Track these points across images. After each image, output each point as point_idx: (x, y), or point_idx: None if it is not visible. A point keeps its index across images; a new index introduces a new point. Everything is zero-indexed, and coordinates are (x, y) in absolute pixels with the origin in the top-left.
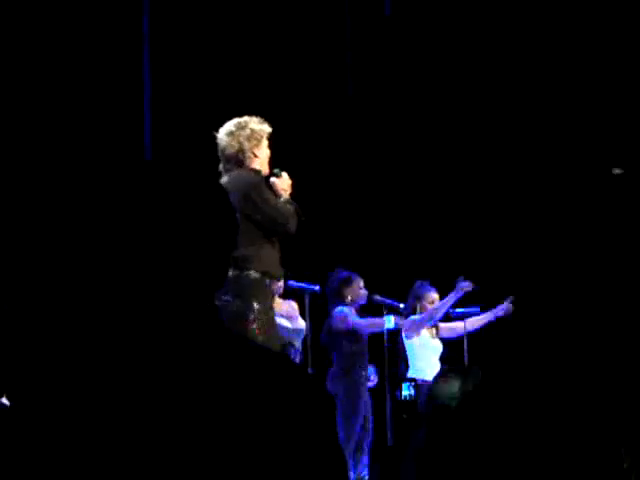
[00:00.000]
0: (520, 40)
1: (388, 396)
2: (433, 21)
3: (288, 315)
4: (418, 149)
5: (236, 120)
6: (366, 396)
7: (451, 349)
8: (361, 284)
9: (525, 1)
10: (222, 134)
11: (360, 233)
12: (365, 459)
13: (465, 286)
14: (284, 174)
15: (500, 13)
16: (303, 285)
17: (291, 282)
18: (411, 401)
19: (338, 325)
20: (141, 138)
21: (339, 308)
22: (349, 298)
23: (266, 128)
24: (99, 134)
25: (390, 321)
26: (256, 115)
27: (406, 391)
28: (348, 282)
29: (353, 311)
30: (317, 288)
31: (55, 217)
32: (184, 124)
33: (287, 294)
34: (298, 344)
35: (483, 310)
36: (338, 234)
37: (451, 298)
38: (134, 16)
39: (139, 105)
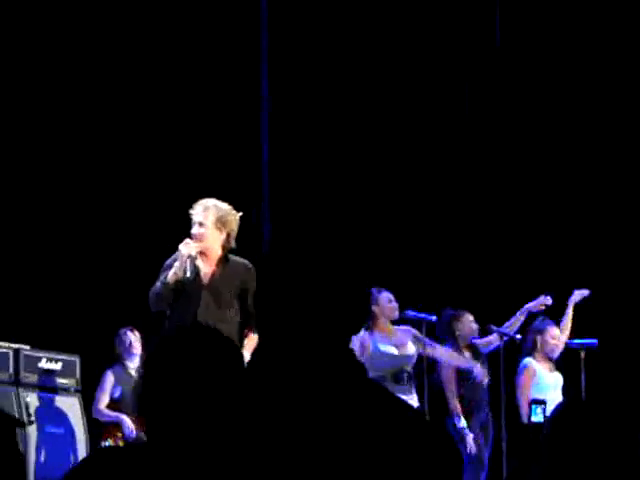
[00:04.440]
0: (627, 71)
1: (504, 425)
2: (542, 52)
3: (396, 343)
4: (532, 175)
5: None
6: (481, 437)
7: (569, 382)
8: (471, 318)
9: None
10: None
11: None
12: None
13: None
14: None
15: (607, 42)
16: (420, 315)
17: (409, 312)
18: (539, 426)
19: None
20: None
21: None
22: (459, 333)
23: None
24: None
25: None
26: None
27: (537, 416)
28: (457, 317)
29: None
30: (434, 318)
31: None
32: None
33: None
34: (410, 368)
35: None
36: (455, 267)
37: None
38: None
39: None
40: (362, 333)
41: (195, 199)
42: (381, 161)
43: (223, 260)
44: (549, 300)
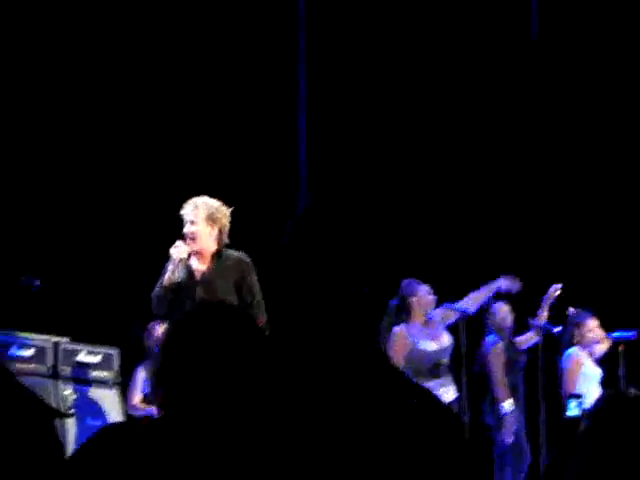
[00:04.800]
0: None
1: (543, 417)
2: (579, 46)
3: (433, 337)
4: (570, 168)
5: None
6: (521, 424)
7: (607, 372)
8: (506, 308)
9: None
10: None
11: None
12: None
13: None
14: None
15: None
16: (458, 308)
17: (447, 305)
18: (576, 421)
19: (489, 355)
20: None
21: (490, 337)
22: (499, 325)
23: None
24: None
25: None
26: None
27: (573, 410)
28: (489, 309)
29: (501, 349)
30: (472, 311)
31: None
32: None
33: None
34: (447, 360)
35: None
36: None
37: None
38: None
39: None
40: (401, 326)
41: (233, 193)
42: (419, 155)
43: (216, 256)
44: (558, 286)
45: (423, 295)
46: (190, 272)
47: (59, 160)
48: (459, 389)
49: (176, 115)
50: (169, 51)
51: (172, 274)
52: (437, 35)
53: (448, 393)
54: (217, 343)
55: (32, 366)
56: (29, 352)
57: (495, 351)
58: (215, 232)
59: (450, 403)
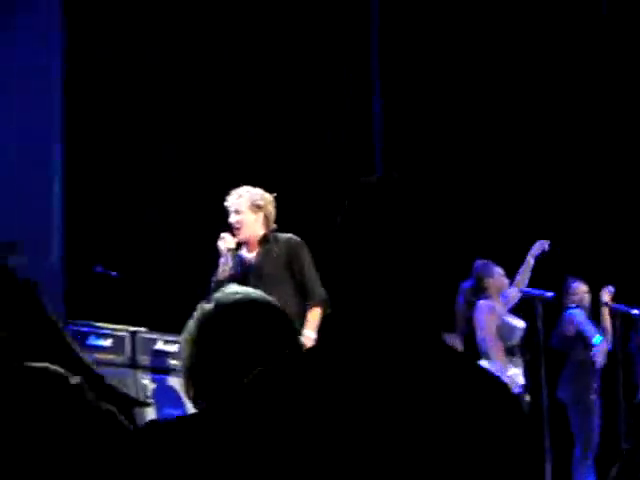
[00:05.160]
0: None
1: (622, 403)
2: None
3: (513, 316)
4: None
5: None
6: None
7: None
8: (584, 288)
9: None
10: None
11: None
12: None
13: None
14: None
15: None
16: (536, 292)
17: (523, 288)
18: None
19: (568, 328)
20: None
21: (569, 311)
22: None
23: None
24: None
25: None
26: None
27: None
28: (566, 287)
29: (583, 314)
30: (550, 295)
31: None
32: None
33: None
34: (519, 342)
35: None
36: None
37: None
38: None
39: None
40: (484, 301)
41: (308, 176)
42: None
43: (263, 241)
44: (609, 289)
45: (498, 277)
46: (242, 261)
47: (134, 153)
48: (537, 367)
49: (254, 101)
50: (245, 33)
51: (224, 267)
52: (507, 11)
53: (519, 376)
54: (244, 340)
55: (110, 356)
56: (107, 342)
57: (577, 312)
58: (260, 218)
59: (521, 387)
